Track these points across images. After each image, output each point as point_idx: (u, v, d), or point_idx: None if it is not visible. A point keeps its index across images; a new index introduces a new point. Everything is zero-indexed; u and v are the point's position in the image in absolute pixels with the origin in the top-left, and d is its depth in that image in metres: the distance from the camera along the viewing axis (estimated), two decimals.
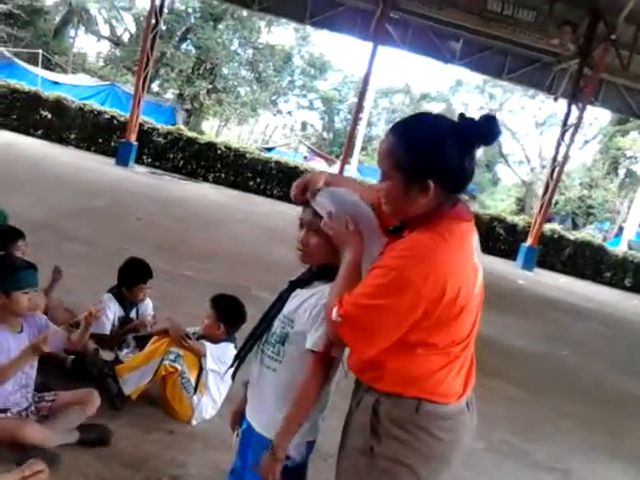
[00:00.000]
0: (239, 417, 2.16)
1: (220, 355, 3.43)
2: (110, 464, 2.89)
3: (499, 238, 20.33)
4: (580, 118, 17.71)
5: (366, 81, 17.55)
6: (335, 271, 1.85)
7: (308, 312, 1.89)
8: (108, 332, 3.80)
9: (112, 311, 3.84)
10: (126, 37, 36.55)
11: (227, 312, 3.56)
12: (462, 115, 1.70)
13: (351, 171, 27.80)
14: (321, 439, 3.42)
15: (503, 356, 7.05)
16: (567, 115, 18.36)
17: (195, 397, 3.43)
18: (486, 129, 1.67)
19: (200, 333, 3.60)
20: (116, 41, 36.57)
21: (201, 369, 3.44)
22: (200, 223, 10.92)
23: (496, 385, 5.65)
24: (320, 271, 1.96)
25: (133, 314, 3.96)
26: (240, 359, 2.06)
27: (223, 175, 19.57)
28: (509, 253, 19.29)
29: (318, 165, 26.65)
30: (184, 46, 33.60)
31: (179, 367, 3.37)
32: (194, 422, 3.46)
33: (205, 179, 19.34)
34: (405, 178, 1.68)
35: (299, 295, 1.96)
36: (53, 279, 3.99)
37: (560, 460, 4.42)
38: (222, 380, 3.49)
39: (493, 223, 20.41)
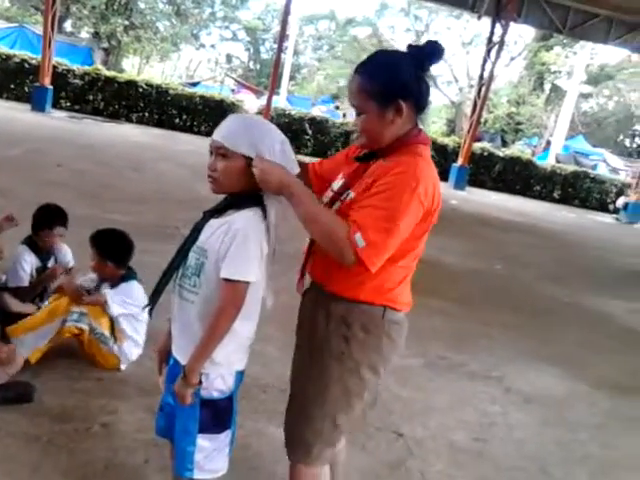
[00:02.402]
0: (165, 354, 2.11)
1: (124, 296, 3.31)
2: (37, 419, 2.80)
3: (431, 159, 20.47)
4: (504, 35, 17.77)
5: (287, 8, 17.08)
6: (248, 199, 1.87)
7: (220, 240, 1.84)
8: (26, 284, 3.63)
9: (28, 262, 3.64)
10: None
11: (108, 247, 3.40)
12: (410, 44, 1.94)
13: (280, 102, 27.35)
14: (260, 370, 3.41)
15: (438, 275, 7.17)
16: (491, 33, 18.41)
17: (115, 346, 3.33)
18: (431, 50, 1.90)
19: (98, 278, 3.48)
20: None
21: (112, 318, 3.33)
22: (125, 165, 10.56)
23: (432, 303, 5.76)
24: (233, 199, 1.91)
25: (51, 263, 3.78)
26: (157, 294, 2.00)
27: (147, 114, 18.94)
28: (441, 174, 18.97)
29: (246, 97, 26.01)
30: None
31: (85, 326, 3.24)
32: (123, 367, 3.38)
33: (128, 119, 18.66)
34: (378, 104, 1.87)
35: (212, 224, 1.90)
36: None
37: (494, 368, 4.57)
38: (137, 320, 3.39)
39: None
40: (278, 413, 3.18)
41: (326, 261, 1.90)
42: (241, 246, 1.82)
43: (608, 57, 36.33)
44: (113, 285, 3.41)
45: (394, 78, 1.86)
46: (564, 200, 21.96)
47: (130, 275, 3.45)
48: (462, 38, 37.24)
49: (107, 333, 3.31)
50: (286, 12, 17.23)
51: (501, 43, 17.90)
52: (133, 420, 2.94)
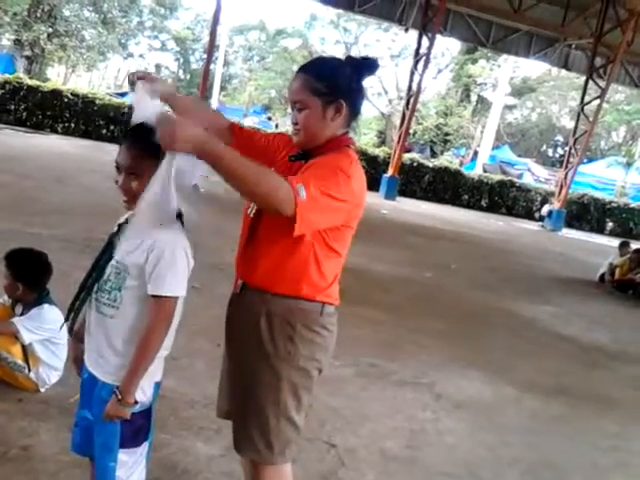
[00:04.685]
0: (81, 364, 2.05)
1: (36, 321, 3.14)
2: None
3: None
4: (430, 48, 18.17)
5: (216, 18, 17.00)
6: None
7: (144, 256, 1.82)
8: None
9: None
10: None
11: (21, 269, 3.21)
12: (350, 56, 2.09)
13: None
14: (187, 386, 3.33)
15: (368, 283, 7.22)
16: (418, 45, 18.84)
17: (31, 372, 3.18)
18: (371, 63, 2.03)
19: (9, 300, 3.32)
20: None
21: (23, 345, 3.17)
22: (49, 178, 10.20)
23: (361, 312, 5.78)
24: None
25: None
26: (75, 312, 1.95)
27: (73, 125, 18.40)
28: (372, 184, 19.67)
29: None
30: None
31: None
32: (42, 390, 3.23)
33: (53, 130, 18.08)
34: (322, 101, 1.95)
35: (131, 239, 1.86)
36: None
37: (424, 375, 4.62)
38: (54, 343, 3.23)
39: None
40: (205, 429, 3.14)
41: (263, 263, 1.96)
42: (169, 262, 1.82)
43: (530, 70, 37.76)
44: (26, 307, 3.24)
45: (339, 79, 1.97)
46: (492, 208, 22.56)
47: (43, 298, 3.25)
48: (391, 51, 37.85)
49: (20, 361, 3.15)
50: (215, 22, 17.14)
51: (428, 55, 18.29)
52: (55, 441, 2.81)
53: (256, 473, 2.12)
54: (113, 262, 1.87)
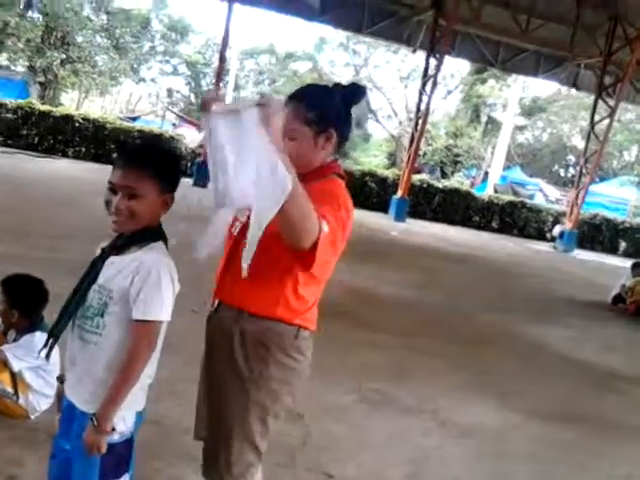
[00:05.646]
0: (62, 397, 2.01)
1: (27, 349, 3.07)
2: None
3: (371, 192, 20.69)
4: (438, 69, 18.20)
5: (225, 42, 17.14)
6: (148, 234, 1.83)
7: (130, 278, 1.78)
8: None
9: None
10: None
11: (18, 296, 3.17)
12: (337, 83, 2.12)
13: None
14: (182, 413, 3.26)
15: (375, 306, 7.15)
16: (426, 66, 18.88)
17: (21, 399, 3.12)
18: (356, 90, 2.07)
19: (1, 326, 3.27)
20: None
21: (13, 372, 3.12)
22: (57, 201, 10.25)
23: (366, 335, 5.70)
24: (134, 235, 1.84)
25: None
26: (54, 337, 1.91)
27: (84, 149, 18.48)
28: (381, 206, 19.70)
29: (187, 131, 25.87)
30: (30, 14, 31.14)
31: None
32: (32, 417, 3.16)
33: (65, 154, 18.19)
34: (313, 131, 1.97)
35: (115, 262, 1.83)
36: None
37: (429, 401, 4.50)
38: (44, 370, 3.16)
39: (365, 177, 20.72)
40: (198, 459, 3.04)
41: (242, 282, 1.85)
42: (154, 286, 1.77)
43: (540, 90, 37.78)
44: (18, 333, 3.19)
45: (329, 108, 2.01)
46: (502, 230, 22.39)
47: (37, 325, 3.19)
48: (400, 72, 38.02)
49: (8, 389, 3.10)
50: (224, 46, 17.27)
51: (436, 76, 18.32)
52: (43, 471, 2.68)
53: None
54: (95, 287, 1.83)
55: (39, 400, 3.16)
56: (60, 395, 2.03)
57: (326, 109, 1.99)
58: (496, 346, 6.53)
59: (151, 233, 1.85)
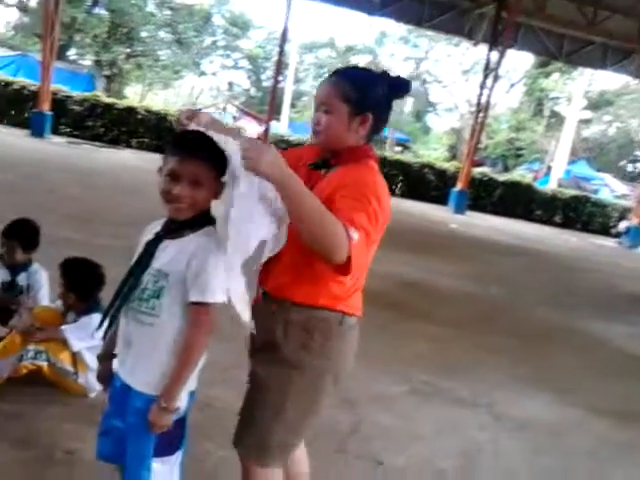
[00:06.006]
0: (109, 376, 2.04)
1: (86, 330, 3.15)
2: None
3: (430, 184, 20.48)
4: (500, 62, 17.83)
5: (284, 35, 17.23)
6: (201, 219, 1.86)
7: (186, 261, 1.81)
8: None
9: None
10: (34, 2, 34.59)
11: (75, 279, 3.28)
12: (385, 71, 2.03)
13: (281, 128, 27.55)
14: (236, 397, 3.29)
15: (431, 299, 7.08)
16: (488, 60, 18.52)
17: (80, 377, 3.22)
18: (403, 82, 2.03)
19: (62, 307, 3.38)
20: (23, 7, 34.55)
21: (72, 352, 3.21)
22: (120, 190, 10.51)
23: (421, 328, 5.65)
24: (189, 220, 1.86)
25: (23, 281, 3.66)
26: (110, 320, 1.93)
27: (147, 140, 18.98)
28: (441, 199, 19.51)
29: (247, 124, 26.16)
30: (96, 10, 32.02)
31: (43, 363, 3.14)
32: (91, 395, 3.25)
33: (128, 145, 18.73)
34: (350, 110, 1.93)
35: (171, 246, 1.86)
36: None
37: (484, 394, 4.42)
38: None
39: (424, 170, 20.52)
40: None
41: (284, 273, 1.94)
42: (211, 268, 1.79)
43: (608, 83, 36.56)
44: (78, 314, 3.29)
45: (372, 92, 1.95)
46: (566, 224, 21.86)
47: (94, 307, 3.28)
48: (462, 65, 37.45)
49: (69, 367, 3.20)
50: (283, 40, 17.35)
51: (497, 70, 17.96)
52: None
53: (245, 472, 2.11)
54: (151, 270, 1.85)
55: (96, 380, 3.24)
56: (106, 374, 2.06)
57: (368, 93, 1.95)
58: (555, 341, 6.37)
59: (204, 218, 1.87)
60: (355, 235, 1.67)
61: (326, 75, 2.06)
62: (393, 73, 2.05)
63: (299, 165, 1.99)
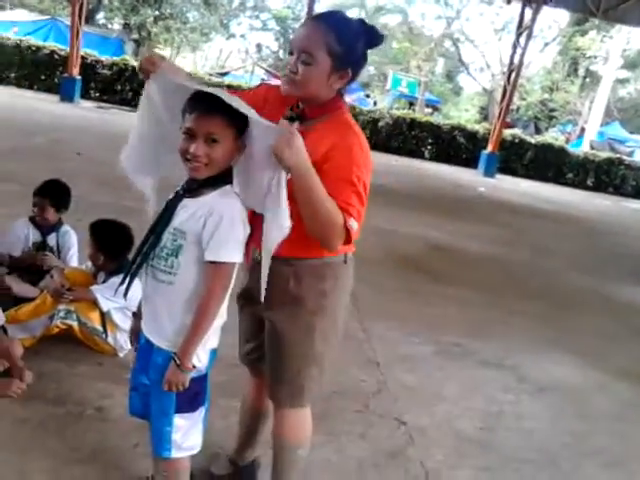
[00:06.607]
0: (138, 333, 2.10)
1: (113, 290, 3.23)
2: (29, 403, 2.76)
3: (460, 147, 20.24)
4: (534, 20, 17.37)
5: None
6: (221, 177, 1.85)
7: (202, 221, 1.81)
8: (17, 253, 3.68)
9: (22, 231, 3.72)
10: None
11: (104, 239, 3.36)
12: (362, 20, 1.98)
13: None
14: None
15: (459, 262, 7.06)
16: (521, 17, 18.07)
17: (109, 337, 3.31)
18: (378, 35, 1.97)
19: (92, 268, 3.45)
20: None
21: (102, 312, 3.30)
22: None
23: (449, 290, 5.66)
24: (208, 179, 1.86)
25: (53, 241, 3.76)
26: (130, 277, 1.97)
27: None
28: (471, 161, 19.27)
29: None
30: None
31: (73, 322, 3.23)
32: (121, 355, 3.35)
33: None
34: (332, 64, 1.88)
35: (188, 205, 1.86)
36: None
37: (509, 357, 4.43)
38: (130, 311, 3.31)
39: (454, 132, 20.26)
40: None
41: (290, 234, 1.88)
42: (228, 229, 1.80)
43: None
44: (108, 275, 3.37)
45: (356, 49, 1.92)
46: (598, 187, 21.48)
47: (123, 268, 3.35)
48: (494, 24, 36.56)
49: (98, 326, 3.29)
50: (312, 0, 17.09)
51: (531, 28, 17.50)
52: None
53: (282, 417, 2.18)
54: (170, 229, 1.86)
55: (126, 339, 3.32)
56: (136, 330, 2.13)
57: (352, 48, 1.90)
58: (583, 305, 6.33)
59: (223, 177, 1.86)
60: (354, 225, 1.81)
61: (307, 19, 2.04)
62: (368, 23, 1.99)
63: (265, 108, 1.98)
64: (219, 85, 16.33)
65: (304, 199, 1.75)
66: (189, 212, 1.85)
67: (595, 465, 3.20)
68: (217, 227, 1.79)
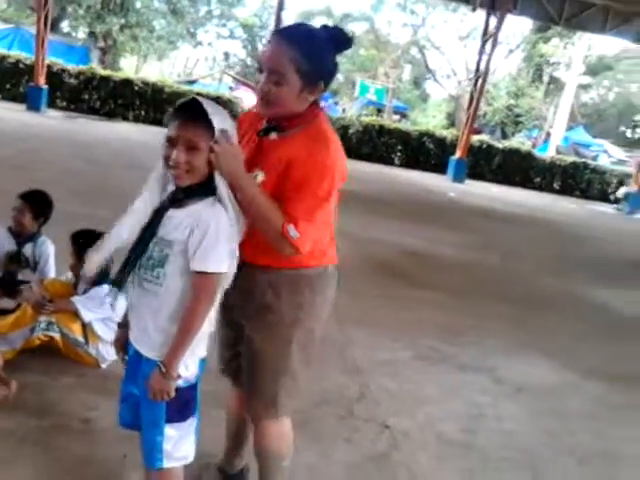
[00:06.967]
0: (123, 343, 2.11)
1: (97, 302, 3.25)
2: (13, 414, 2.75)
3: (429, 153, 20.44)
4: (499, 27, 17.65)
5: (281, 4, 17.01)
6: (204, 188, 1.88)
7: (188, 231, 1.83)
8: None
9: None
10: None
11: (85, 248, 3.30)
12: (326, 26, 1.98)
13: None
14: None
15: (432, 267, 7.15)
16: (486, 25, 18.34)
17: (91, 348, 3.30)
18: (347, 38, 1.98)
19: (73, 279, 3.45)
20: None
21: (83, 323, 3.29)
22: (119, 163, 10.50)
23: (423, 295, 5.73)
24: (192, 189, 1.88)
25: (29, 252, 3.70)
26: (117, 287, 1.96)
27: (143, 112, 18.83)
28: (440, 167, 19.46)
29: (244, 94, 25.95)
30: None
31: (55, 334, 3.22)
32: (103, 366, 3.34)
33: (125, 118, 18.56)
34: (303, 82, 1.90)
35: (174, 216, 1.88)
36: None
37: (486, 360, 4.51)
38: (113, 321, 3.30)
39: (423, 138, 20.46)
40: None
41: (263, 243, 1.98)
42: (214, 239, 1.82)
43: (607, 48, 36.19)
44: (89, 286, 3.36)
45: (324, 63, 1.96)
46: (564, 191, 21.88)
47: (104, 278, 3.30)
48: (459, 32, 37.02)
49: (80, 338, 3.28)
50: (279, 8, 17.16)
51: (496, 35, 17.79)
52: (113, 415, 2.85)
53: (260, 429, 2.23)
54: (156, 239, 1.88)
55: (108, 350, 3.31)
56: (121, 341, 2.12)
57: (320, 63, 1.93)
58: (555, 307, 6.45)
59: (207, 187, 1.87)
60: (293, 232, 1.86)
61: (274, 33, 2.04)
62: (333, 27, 1.99)
63: (245, 138, 2.08)
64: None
65: (243, 204, 1.87)
66: (175, 222, 1.86)
67: (574, 462, 3.29)
68: (203, 237, 1.81)
